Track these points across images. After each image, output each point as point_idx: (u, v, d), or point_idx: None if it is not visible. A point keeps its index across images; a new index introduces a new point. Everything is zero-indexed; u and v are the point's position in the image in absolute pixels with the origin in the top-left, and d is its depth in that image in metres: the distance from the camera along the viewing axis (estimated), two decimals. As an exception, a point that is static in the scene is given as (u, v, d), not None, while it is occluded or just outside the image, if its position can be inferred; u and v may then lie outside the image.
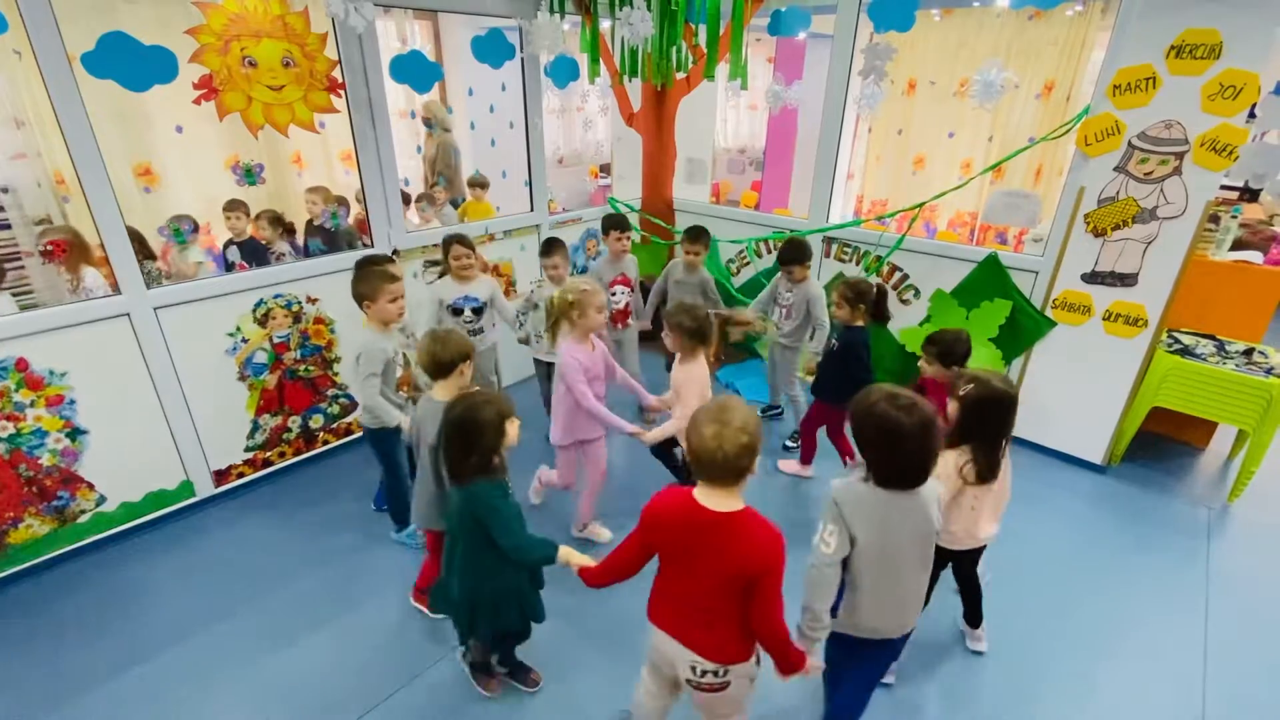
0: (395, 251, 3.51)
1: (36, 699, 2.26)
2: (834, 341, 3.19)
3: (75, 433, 2.74)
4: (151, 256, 3.55)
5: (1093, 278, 3.29)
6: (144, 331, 2.81)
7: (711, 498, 1.52)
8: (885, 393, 1.63)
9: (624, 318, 3.77)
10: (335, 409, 3.58)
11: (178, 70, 2.52)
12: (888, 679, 2.32)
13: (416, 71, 3.28)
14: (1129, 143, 3.02)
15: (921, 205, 3.84)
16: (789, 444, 3.73)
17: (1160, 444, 3.81)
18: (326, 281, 3.32)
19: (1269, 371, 3.19)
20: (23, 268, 3.79)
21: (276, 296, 3.18)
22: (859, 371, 3.04)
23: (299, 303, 3.27)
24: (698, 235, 3.69)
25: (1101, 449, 3.53)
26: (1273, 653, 2.50)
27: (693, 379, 2.69)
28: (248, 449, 3.30)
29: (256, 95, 2.80)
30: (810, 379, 3.32)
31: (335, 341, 3.45)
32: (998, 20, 5.38)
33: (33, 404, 2.61)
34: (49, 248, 3.11)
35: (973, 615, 2.47)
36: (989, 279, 3.62)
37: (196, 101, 2.67)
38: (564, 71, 3.89)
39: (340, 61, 3.05)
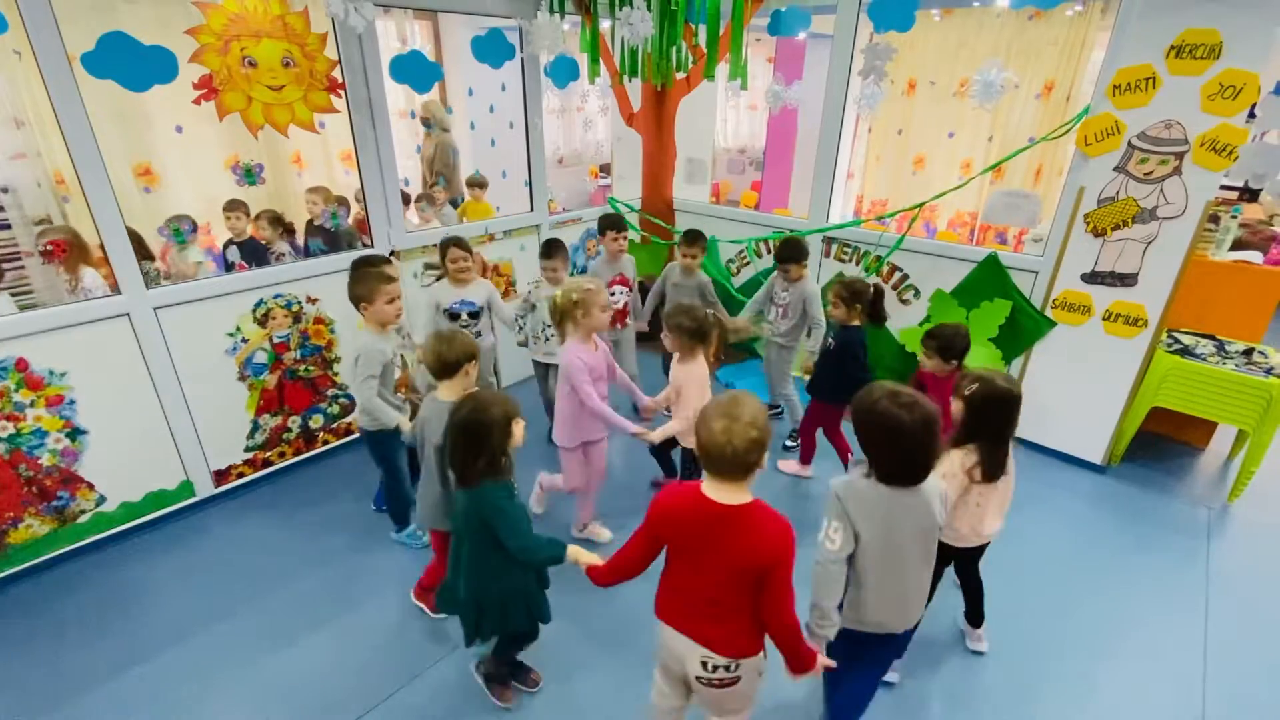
0: (393, 252, 3.50)
1: (36, 699, 2.26)
2: (830, 341, 3.19)
3: (75, 433, 2.74)
4: (149, 257, 3.55)
5: (1093, 278, 3.29)
6: (144, 331, 2.81)
7: (720, 491, 1.52)
8: (887, 390, 1.65)
9: (622, 318, 3.77)
10: (335, 409, 3.58)
11: (178, 70, 2.52)
12: (892, 677, 2.33)
13: (416, 71, 3.28)
14: (1129, 143, 3.02)
15: (921, 205, 3.84)
16: (788, 444, 3.73)
17: (1160, 444, 3.81)
18: (326, 281, 3.32)
19: (1269, 371, 3.19)
20: (23, 268, 3.79)
21: (276, 296, 3.18)
22: (856, 371, 3.04)
23: (299, 303, 3.27)
24: (695, 239, 3.68)
25: (1101, 449, 3.53)
26: (1273, 653, 2.50)
27: (693, 378, 2.70)
28: (248, 449, 3.30)
29: (256, 95, 2.81)
30: (807, 378, 3.32)
31: (335, 341, 3.45)
32: (998, 20, 5.38)
33: (33, 404, 2.61)
34: (48, 248, 3.11)
35: (974, 614, 2.47)
36: (989, 279, 3.62)
37: (196, 101, 2.67)
38: (564, 71, 3.90)
39: (340, 61, 3.05)
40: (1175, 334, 3.59)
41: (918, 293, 3.97)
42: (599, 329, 2.68)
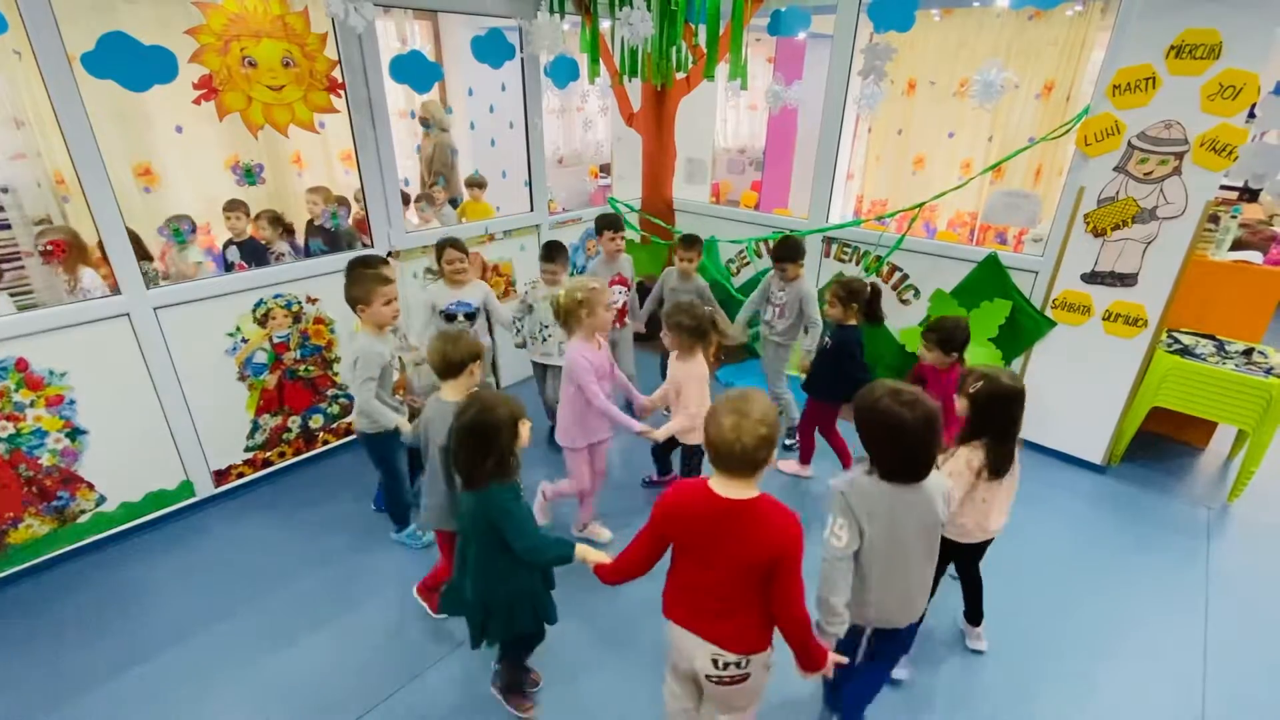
0: (389, 253, 3.50)
1: (36, 699, 2.26)
2: (827, 340, 3.19)
3: (75, 433, 2.74)
4: (147, 257, 3.55)
5: (1092, 278, 3.29)
6: (144, 331, 2.81)
7: (727, 487, 1.52)
8: (888, 388, 1.67)
9: (620, 317, 3.78)
10: (335, 409, 3.58)
11: (177, 70, 2.52)
12: (902, 674, 2.34)
13: (416, 71, 3.28)
14: (1129, 143, 3.02)
15: (921, 205, 3.84)
16: (786, 443, 3.73)
17: (1160, 444, 3.81)
18: (326, 281, 3.31)
19: (1268, 371, 3.19)
20: (22, 268, 3.79)
21: (276, 296, 3.18)
22: (853, 369, 3.05)
23: (299, 303, 3.27)
24: (692, 243, 3.69)
25: (1101, 449, 3.53)
26: (1273, 653, 2.50)
27: (693, 376, 2.71)
28: (248, 449, 3.30)
29: (256, 95, 2.81)
30: (804, 377, 3.33)
31: (335, 341, 3.45)
32: (998, 20, 5.38)
33: (33, 404, 2.61)
34: (48, 248, 3.11)
35: (973, 612, 2.47)
36: (989, 279, 3.62)
37: (196, 101, 2.67)
38: (564, 71, 3.90)
39: (340, 61, 3.05)
40: (1175, 334, 3.59)
41: (918, 293, 3.97)
42: (603, 329, 2.68)
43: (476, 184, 5.22)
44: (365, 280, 2.59)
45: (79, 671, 2.36)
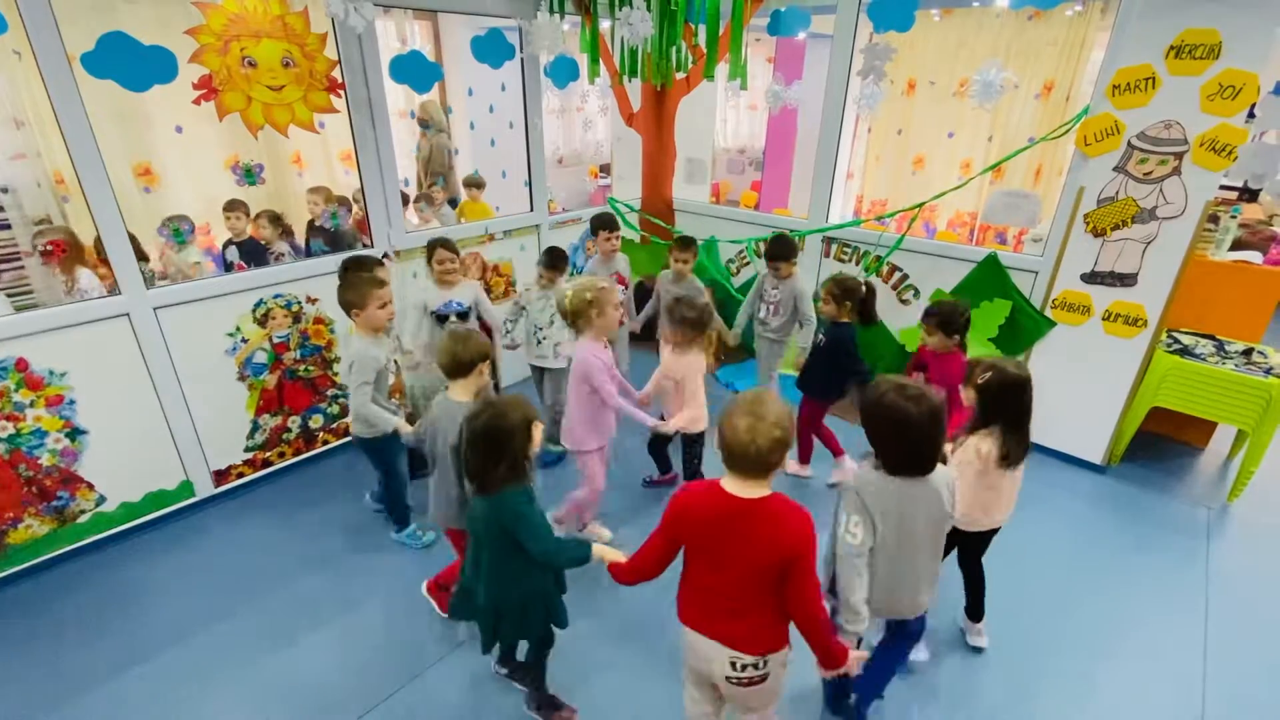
0: (385, 255, 3.49)
1: (36, 699, 2.26)
2: (821, 337, 3.20)
3: (75, 433, 2.74)
4: (144, 258, 3.55)
5: (1092, 278, 3.29)
6: (144, 331, 2.81)
7: (740, 487, 1.52)
8: (893, 384, 1.70)
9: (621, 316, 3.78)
10: (335, 409, 3.58)
11: (177, 70, 2.52)
12: (921, 655, 2.37)
13: (416, 71, 3.28)
14: (1128, 143, 3.02)
15: (921, 205, 3.84)
16: None
17: (1160, 444, 3.81)
18: (326, 281, 3.30)
19: (1268, 371, 3.19)
20: (22, 268, 3.79)
21: (276, 296, 3.18)
22: (850, 366, 3.06)
23: (299, 303, 3.27)
24: (687, 244, 3.70)
25: (1101, 449, 3.53)
26: (1273, 653, 2.50)
27: (694, 369, 2.74)
28: (247, 449, 3.30)
29: (256, 95, 2.81)
30: (797, 374, 3.34)
31: (335, 342, 3.45)
32: (997, 20, 5.38)
33: (32, 404, 2.61)
34: (48, 248, 3.11)
35: (975, 608, 2.48)
36: (988, 279, 3.62)
37: (196, 101, 2.67)
38: (564, 71, 3.90)
39: (340, 61, 3.05)
40: (1175, 334, 3.59)
41: (917, 293, 3.97)
42: (612, 328, 2.67)
43: (475, 184, 5.22)
44: (359, 284, 2.57)
45: (79, 671, 2.36)
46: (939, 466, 1.74)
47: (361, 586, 2.76)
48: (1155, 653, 2.49)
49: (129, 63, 2.42)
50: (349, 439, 3.65)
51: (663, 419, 2.93)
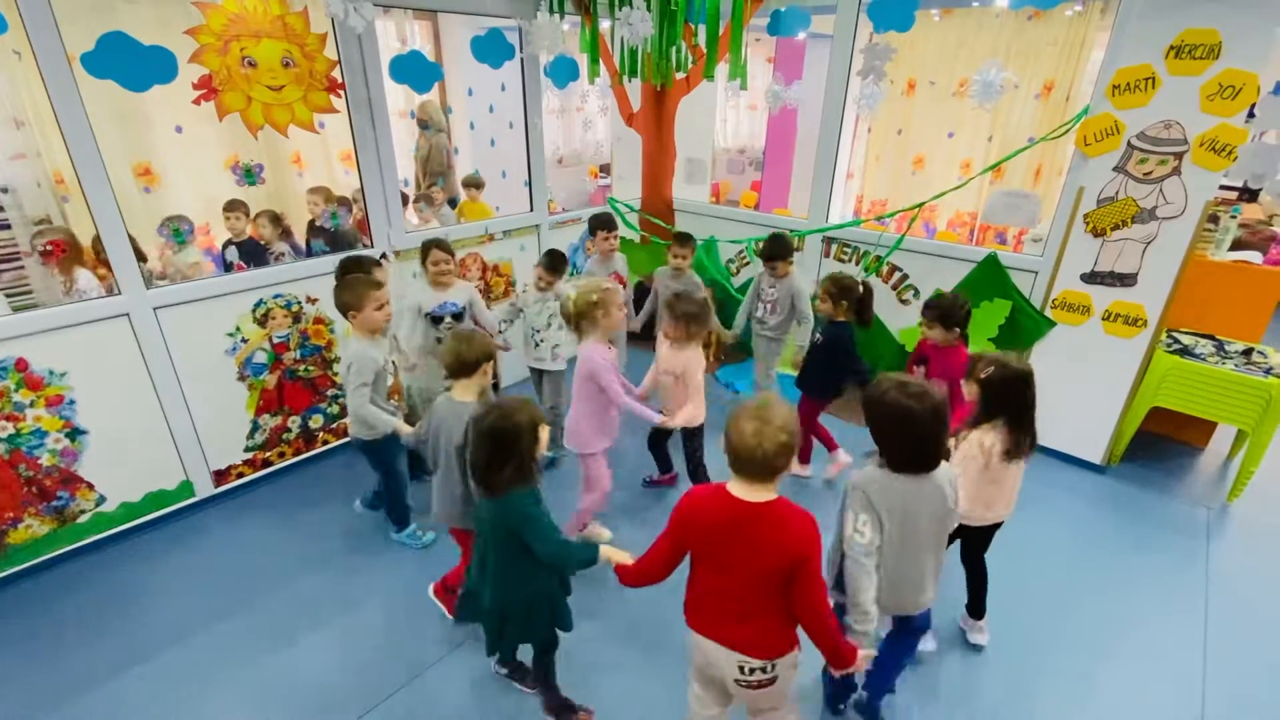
0: (384, 255, 3.48)
1: (36, 699, 2.26)
2: (818, 336, 3.21)
3: (75, 433, 2.74)
4: (143, 258, 3.55)
5: (1092, 278, 3.30)
6: (143, 332, 2.81)
7: (747, 491, 1.53)
8: (895, 381, 1.70)
9: (622, 315, 3.78)
10: (335, 409, 3.58)
11: (177, 70, 2.52)
12: (929, 645, 2.39)
13: (416, 71, 3.28)
14: (1128, 143, 3.02)
15: (921, 205, 3.84)
16: None
17: (1160, 444, 3.81)
18: (326, 282, 3.29)
19: (1268, 371, 3.19)
20: (22, 268, 3.79)
21: (276, 296, 3.18)
22: (848, 364, 3.07)
23: (298, 303, 3.27)
24: (685, 240, 3.72)
25: (1101, 449, 3.53)
26: (1273, 653, 2.51)
27: (695, 364, 2.75)
28: (247, 449, 3.30)
29: (256, 95, 2.81)
30: (796, 373, 3.35)
31: (335, 342, 3.45)
32: (997, 20, 5.38)
33: (32, 404, 2.61)
34: (48, 248, 3.11)
35: (976, 605, 2.48)
36: (988, 279, 3.62)
37: (196, 101, 2.67)
38: (564, 71, 3.90)
39: (340, 61, 3.05)
40: (1175, 334, 3.59)
41: (917, 293, 3.97)
42: (616, 329, 2.67)
43: (474, 184, 5.22)
44: (356, 285, 2.55)
45: (79, 671, 2.36)
46: (941, 463, 1.75)
47: (361, 586, 2.76)
48: (1155, 653, 2.49)
49: (129, 63, 2.42)
50: (349, 440, 3.66)
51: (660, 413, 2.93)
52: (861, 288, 3.05)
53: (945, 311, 2.73)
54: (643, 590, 1.80)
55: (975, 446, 2.09)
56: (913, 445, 1.70)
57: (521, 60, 3.80)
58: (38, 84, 2.41)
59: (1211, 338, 3.54)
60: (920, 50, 5.75)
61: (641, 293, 4.04)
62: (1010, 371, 2.05)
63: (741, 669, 1.62)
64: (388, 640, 2.51)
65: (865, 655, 1.68)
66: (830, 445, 3.41)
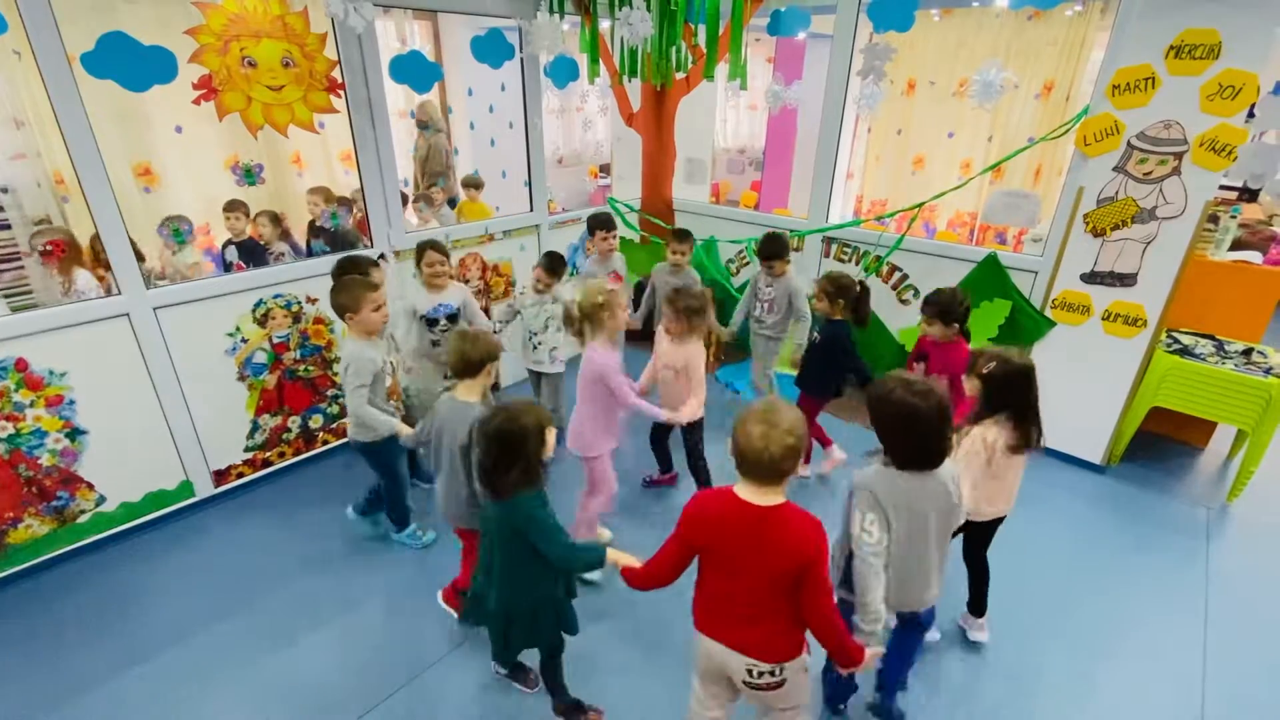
0: (382, 255, 3.48)
1: (36, 699, 2.26)
2: (815, 335, 3.22)
3: (75, 433, 2.74)
4: (140, 258, 3.54)
5: (1092, 278, 3.30)
6: (143, 332, 2.81)
7: (754, 494, 1.53)
8: (900, 380, 1.71)
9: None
10: (335, 409, 3.58)
11: (177, 70, 2.52)
12: (934, 635, 2.41)
13: (416, 72, 3.28)
14: (1128, 143, 3.02)
15: (921, 205, 3.84)
16: None
17: (1160, 444, 3.81)
18: (326, 282, 3.28)
19: (1268, 371, 3.19)
20: (22, 268, 3.79)
21: (276, 297, 3.18)
22: (847, 363, 3.07)
23: (298, 303, 3.27)
24: (683, 237, 3.75)
25: (1101, 449, 3.53)
26: (1272, 653, 2.51)
27: (697, 357, 2.77)
28: (247, 449, 3.30)
29: (256, 95, 2.81)
30: (795, 372, 3.35)
31: (335, 342, 3.45)
32: (997, 20, 5.38)
33: (32, 404, 2.61)
34: (48, 248, 3.11)
35: (977, 603, 2.48)
36: (988, 279, 3.62)
37: (196, 101, 2.67)
38: (563, 71, 3.90)
39: (340, 62, 3.05)
40: (1174, 334, 3.59)
41: (917, 293, 3.97)
42: (620, 329, 2.67)
43: (473, 184, 5.22)
44: (353, 287, 2.54)
45: (79, 671, 2.36)
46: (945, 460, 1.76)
47: (361, 586, 2.76)
48: (1155, 652, 2.49)
49: (129, 63, 2.42)
50: (348, 441, 3.65)
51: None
52: (858, 287, 3.06)
53: (944, 307, 2.74)
54: (647, 592, 1.79)
55: (978, 442, 2.09)
56: (917, 443, 1.70)
57: (521, 60, 3.80)
58: (38, 84, 2.41)
59: (1211, 338, 3.54)
60: (920, 50, 5.75)
61: (640, 291, 4.04)
62: (1012, 366, 2.06)
63: (750, 672, 1.62)
64: (388, 640, 2.51)
65: (873, 654, 1.68)
66: (825, 442, 3.42)
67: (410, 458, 2.99)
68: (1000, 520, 2.31)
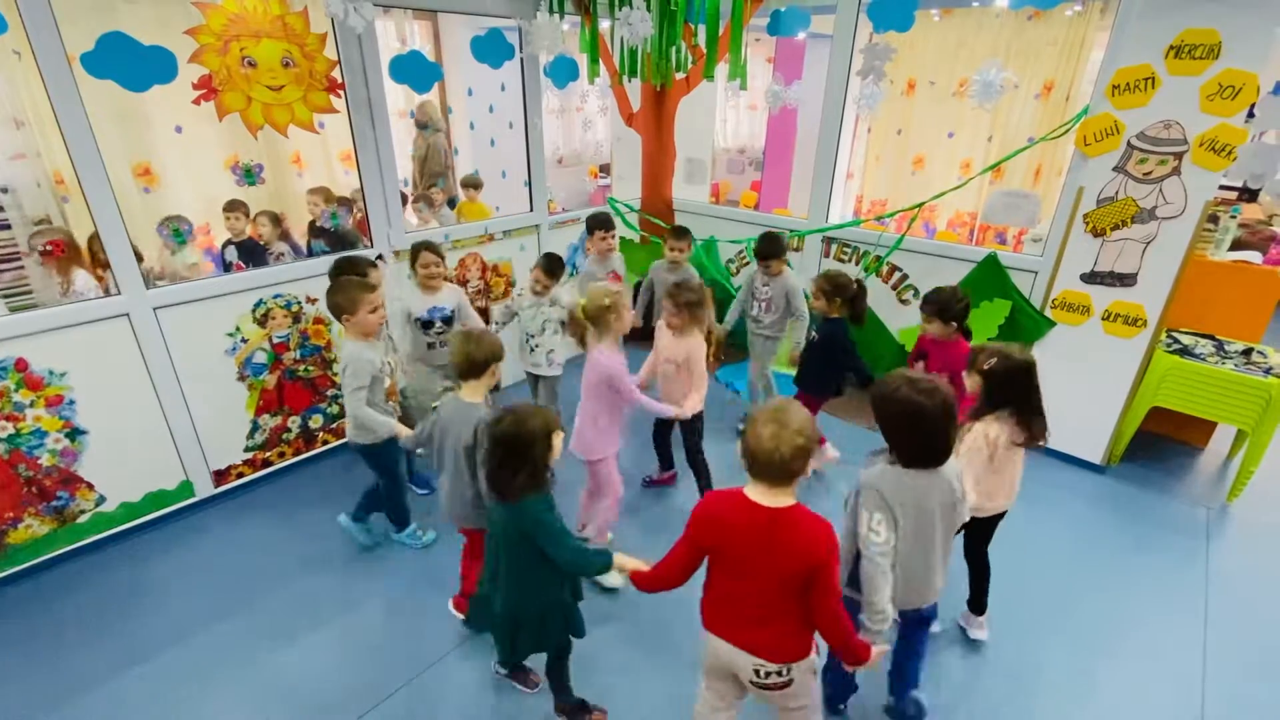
0: (380, 256, 3.48)
1: (36, 699, 2.26)
2: (814, 333, 3.22)
3: (75, 433, 2.74)
4: (138, 258, 3.54)
5: (1092, 278, 3.30)
6: (143, 332, 2.81)
7: (765, 496, 1.53)
8: (905, 378, 1.72)
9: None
10: (335, 409, 3.58)
11: (177, 70, 2.52)
12: (934, 627, 2.39)
13: (416, 72, 3.28)
14: (1128, 143, 3.02)
15: (921, 205, 3.84)
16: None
17: (1159, 444, 3.81)
18: (326, 282, 3.29)
19: (1268, 371, 3.19)
20: (22, 268, 3.79)
21: (276, 297, 3.18)
22: (845, 361, 3.08)
23: (298, 303, 3.27)
24: (682, 234, 3.77)
25: (1101, 449, 3.53)
26: (1272, 653, 2.51)
27: (698, 350, 2.78)
28: (247, 449, 3.30)
29: (256, 95, 2.80)
30: (794, 371, 3.36)
31: (335, 342, 3.45)
32: (997, 20, 5.38)
33: (32, 404, 2.61)
34: (48, 248, 3.11)
35: (978, 600, 2.48)
36: (988, 279, 3.62)
37: (196, 101, 2.67)
38: (563, 71, 3.90)
39: (340, 62, 3.05)
40: (1174, 334, 3.59)
41: (917, 293, 3.97)
42: (626, 330, 2.67)
43: (472, 184, 5.22)
44: (349, 288, 2.52)
45: (79, 671, 2.36)
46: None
47: (361, 586, 2.76)
48: (1155, 652, 2.49)
49: (129, 63, 2.42)
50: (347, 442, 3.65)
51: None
52: (855, 285, 3.06)
53: (943, 305, 2.75)
54: (656, 598, 1.79)
55: (980, 438, 2.10)
56: (922, 440, 1.71)
57: (521, 60, 3.80)
58: (38, 84, 2.40)
59: (1211, 338, 3.54)
60: (920, 50, 5.75)
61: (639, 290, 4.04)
62: (1013, 362, 2.07)
63: (757, 671, 1.62)
64: (388, 640, 2.51)
65: (879, 652, 1.69)
66: (819, 440, 3.43)
67: (407, 463, 2.98)
68: (1001, 516, 2.31)
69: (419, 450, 3.00)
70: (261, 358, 3.21)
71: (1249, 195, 4.95)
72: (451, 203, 5.40)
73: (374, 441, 2.64)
